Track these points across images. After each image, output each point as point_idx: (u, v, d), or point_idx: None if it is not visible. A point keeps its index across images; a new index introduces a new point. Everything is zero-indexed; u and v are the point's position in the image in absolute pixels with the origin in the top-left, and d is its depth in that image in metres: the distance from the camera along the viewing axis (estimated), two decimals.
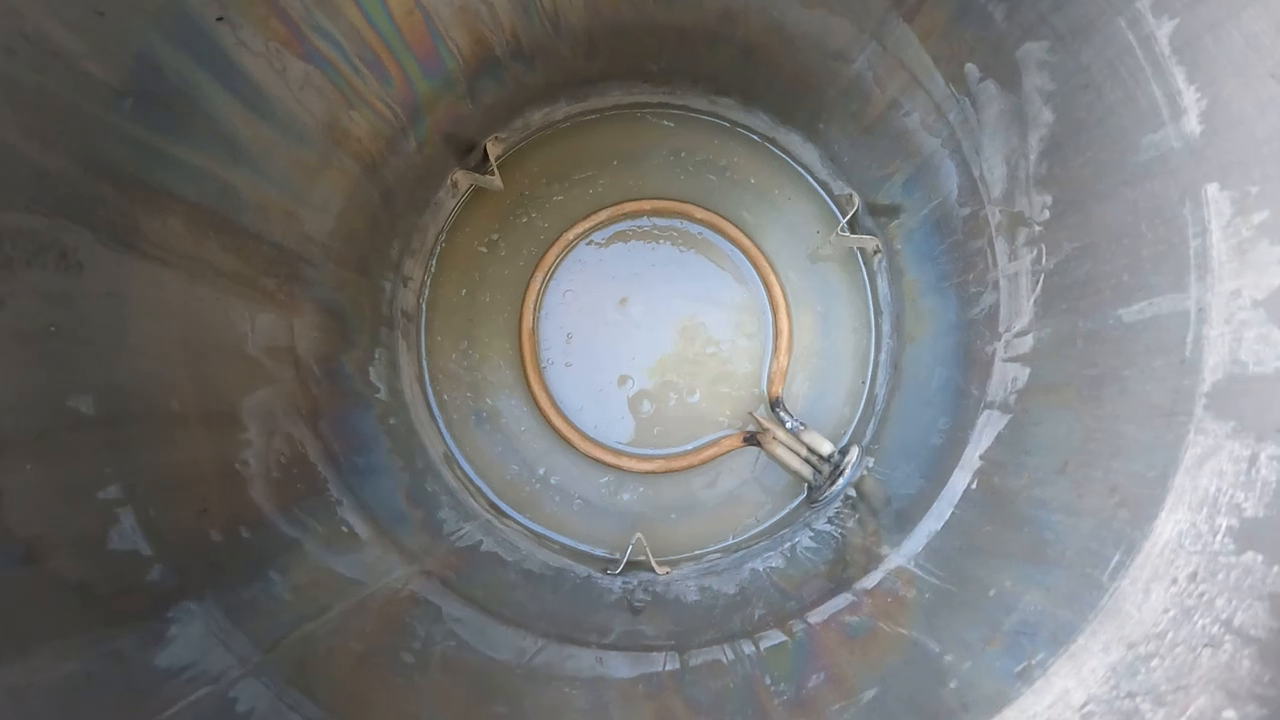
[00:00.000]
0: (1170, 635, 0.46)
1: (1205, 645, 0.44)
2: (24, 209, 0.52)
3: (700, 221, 1.03)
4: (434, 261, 1.04)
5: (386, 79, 0.81)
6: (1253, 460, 0.48)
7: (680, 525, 1.02)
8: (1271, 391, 0.49)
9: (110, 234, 0.57)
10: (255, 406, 0.69)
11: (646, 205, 1.03)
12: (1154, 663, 0.46)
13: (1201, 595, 0.46)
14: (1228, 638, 0.44)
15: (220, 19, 0.62)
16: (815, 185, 1.04)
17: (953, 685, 0.56)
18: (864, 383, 1.03)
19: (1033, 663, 0.53)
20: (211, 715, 0.48)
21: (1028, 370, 0.72)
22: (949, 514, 0.75)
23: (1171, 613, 0.47)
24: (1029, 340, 0.73)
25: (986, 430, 0.76)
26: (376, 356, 0.92)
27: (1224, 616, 0.44)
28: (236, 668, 0.51)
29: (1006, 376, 0.76)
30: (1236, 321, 0.52)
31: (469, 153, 1.02)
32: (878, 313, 1.03)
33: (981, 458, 0.75)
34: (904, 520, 0.80)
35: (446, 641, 0.67)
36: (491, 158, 1.01)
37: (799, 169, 1.05)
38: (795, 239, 1.04)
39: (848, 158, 0.98)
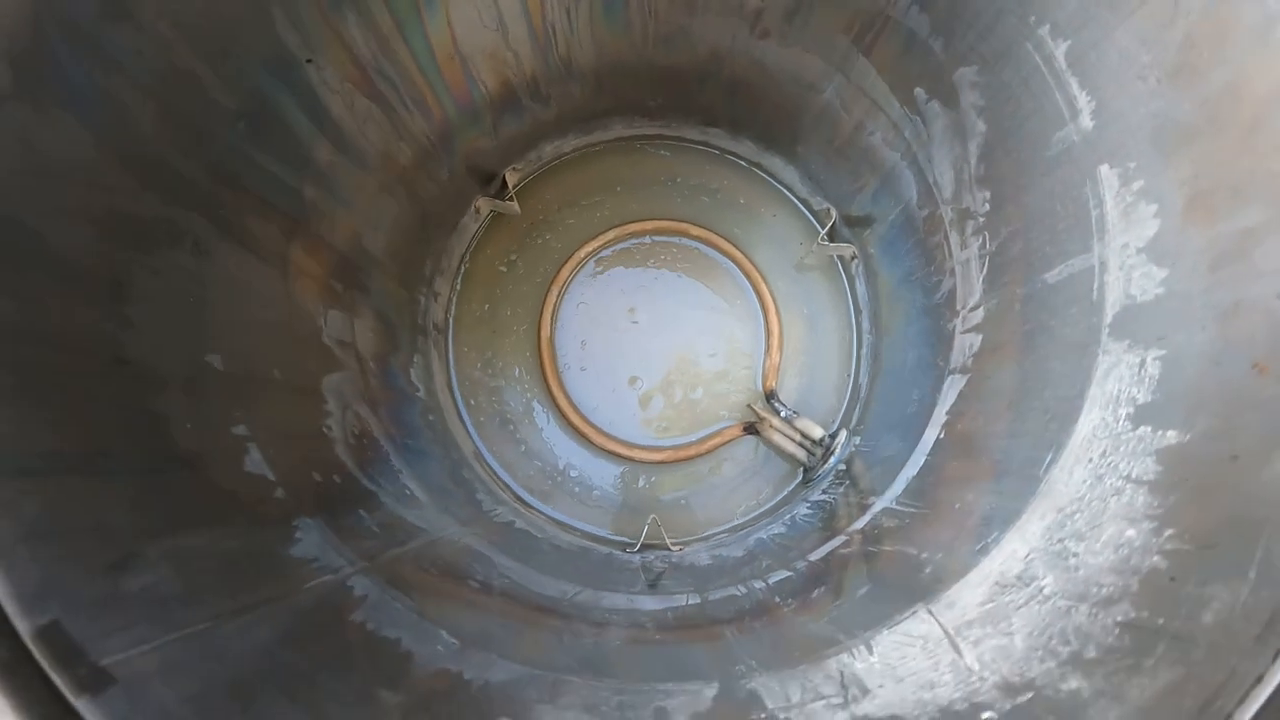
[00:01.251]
0: (1087, 495, 0.62)
1: (1112, 495, 0.60)
2: (170, 203, 0.68)
3: (696, 238, 1.21)
4: (459, 280, 1.21)
5: (429, 115, 0.99)
6: (1142, 364, 0.65)
7: (690, 510, 1.17)
8: (1153, 312, 0.66)
9: (227, 230, 0.74)
10: (332, 386, 0.85)
11: (648, 225, 1.22)
12: (1076, 516, 0.62)
13: (1109, 464, 0.63)
14: (1128, 486, 0.60)
15: (309, 61, 0.80)
16: (796, 202, 1.23)
17: (928, 571, 0.71)
18: (849, 375, 1.20)
19: (989, 541, 0.68)
20: (336, 593, 0.62)
21: (980, 337, 0.90)
22: (923, 461, 0.91)
23: (1088, 481, 0.63)
24: (980, 313, 0.90)
25: (950, 392, 0.93)
26: (415, 361, 1.08)
27: (1124, 473, 0.60)
28: (349, 567, 0.66)
29: (965, 346, 0.93)
30: (1126, 266, 0.70)
31: (490, 181, 1.20)
32: (857, 312, 1.20)
33: (947, 413, 0.92)
34: (888, 477, 0.96)
35: (502, 580, 0.81)
36: (510, 186, 1.19)
37: (781, 188, 1.23)
38: (782, 250, 1.22)
39: (823, 176, 1.17)
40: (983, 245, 0.90)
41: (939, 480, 0.85)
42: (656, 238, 1.23)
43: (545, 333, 1.19)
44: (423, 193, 1.05)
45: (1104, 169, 0.73)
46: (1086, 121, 0.74)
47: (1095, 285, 0.73)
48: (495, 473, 1.16)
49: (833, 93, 1.04)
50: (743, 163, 1.24)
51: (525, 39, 1.00)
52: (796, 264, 1.22)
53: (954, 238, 0.96)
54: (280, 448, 0.71)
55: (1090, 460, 0.65)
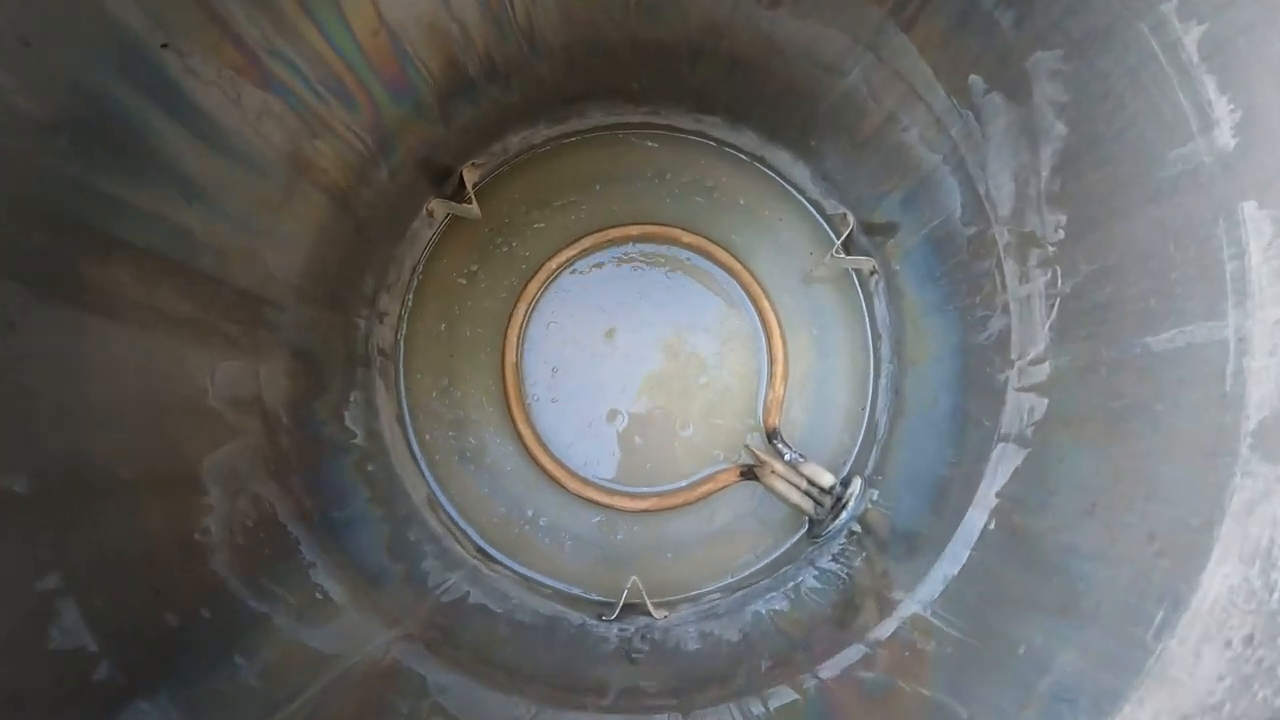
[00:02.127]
0: (1228, 707, 0.42)
1: None
2: None
3: (688, 246, 0.99)
4: (411, 295, 0.98)
5: (352, 104, 0.75)
6: None
7: (677, 564, 0.96)
8: None
9: (47, 287, 0.51)
10: (217, 466, 0.63)
11: (632, 230, 0.99)
12: None
13: (1260, 661, 0.42)
14: None
15: (165, 45, 0.57)
16: (806, 205, 1.00)
17: None
18: (863, 409, 0.98)
19: None
20: None
21: (1045, 401, 0.68)
22: (966, 556, 0.70)
23: (1228, 680, 0.43)
24: (1045, 369, 0.68)
25: (1002, 465, 0.71)
26: (352, 399, 0.87)
27: None
28: None
29: (1022, 407, 0.71)
30: None
31: (445, 180, 0.96)
32: (875, 336, 0.98)
33: (999, 495, 0.71)
34: (915, 560, 0.76)
35: (433, 717, 0.61)
36: (468, 185, 0.95)
37: (789, 188, 1.00)
38: (787, 261, 1.00)
39: (840, 175, 0.94)
40: (1052, 282, 0.68)
41: (991, 596, 0.65)
42: (642, 245, 1.00)
43: (510, 358, 0.97)
44: (355, 198, 0.82)
45: (1249, 207, 0.51)
46: (1225, 138, 0.52)
47: (1229, 369, 0.51)
48: (452, 521, 0.95)
49: (859, 76, 0.80)
50: (743, 157, 1.00)
51: (473, 7, 0.76)
52: (805, 277, 1.00)
53: (1010, 267, 0.73)
54: (116, 589, 0.50)
55: (1229, 644, 0.44)
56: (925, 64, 0.73)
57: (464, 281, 0.99)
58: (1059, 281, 0.67)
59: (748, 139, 0.99)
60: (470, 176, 0.96)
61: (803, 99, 0.87)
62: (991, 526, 0.69)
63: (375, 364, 0.94)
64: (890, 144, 0.82)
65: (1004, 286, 0.74)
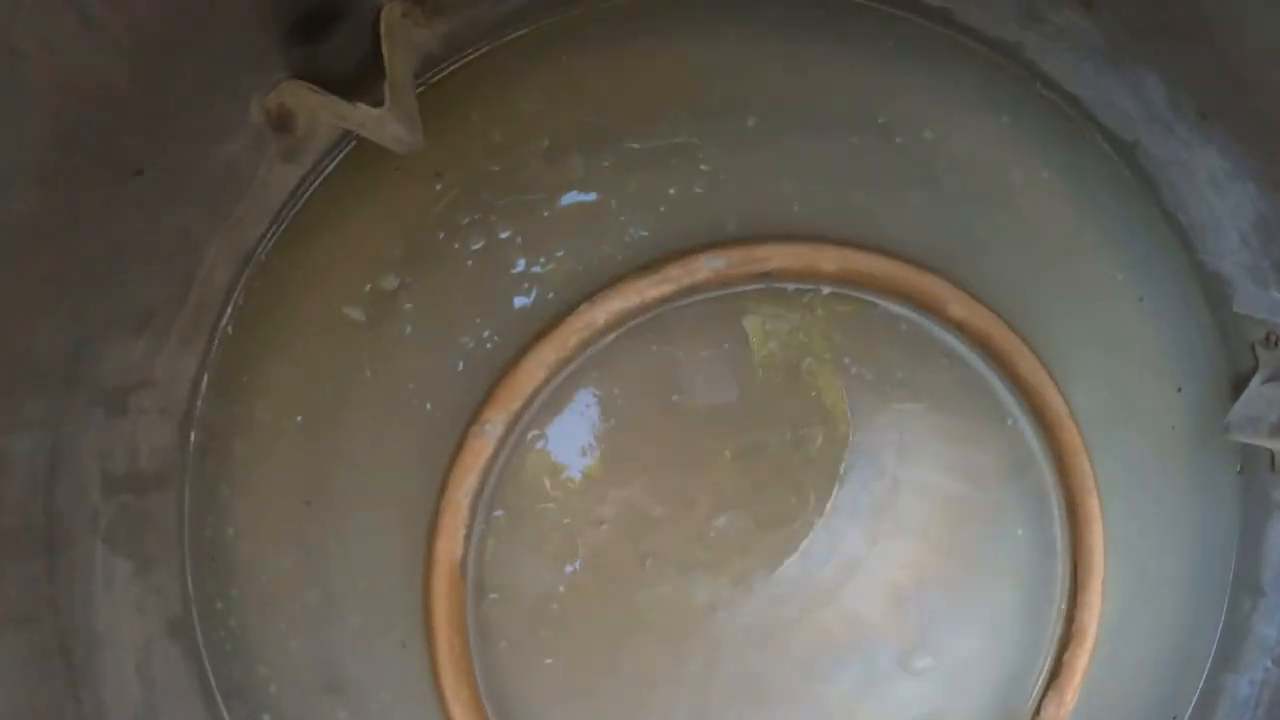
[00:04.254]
0: None
1: None
2: None
3: (957, 326, 0.36)
4: (226, 329, 0.34)
5: None
6: None
7: None
8: None
9: None
10: None
11: (828, 258, 0.35)
12: None
13: None
14: None
15: None
16: (1193, 269, 0.39)
17: None
18: None
19: None
20: None
21: None
22: None
23: None
24: None
25: None
26: None
27: None
28: None
29: None
30: None
31: (324, 32, 0.30)
32: (1247, 590, 0.40)
33: None
34: None
35: None
36: (389, 58, 0.29)
37: (1163, 224, 0.38)
38: (1140, 397, 0.39)
39: None
40: None
41: None
42: (840, 304, 0.37)
43: (450, 544, 0.35)
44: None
45: None
46: None
47: None
48: None
49: None
50: (1071, 114, 0.36)
51: None
52: (1156, 443, 0.40)
53: None
54: None
55: None
56: None
57: (359, 316, 0.35)
58: None
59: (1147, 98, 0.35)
60: (404, 35, 0.30)
61: None
62: None
63: (101, 517, 0.30)
64: None
65: None
